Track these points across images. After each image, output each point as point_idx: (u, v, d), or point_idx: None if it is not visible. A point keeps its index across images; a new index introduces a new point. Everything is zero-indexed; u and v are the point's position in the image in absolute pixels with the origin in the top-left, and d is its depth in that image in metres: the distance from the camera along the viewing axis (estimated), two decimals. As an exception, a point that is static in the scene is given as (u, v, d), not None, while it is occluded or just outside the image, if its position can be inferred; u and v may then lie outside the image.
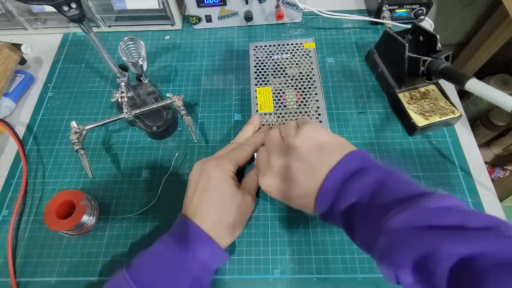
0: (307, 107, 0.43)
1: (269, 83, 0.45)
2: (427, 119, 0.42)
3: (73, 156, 0.44)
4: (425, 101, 0.44)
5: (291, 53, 0.48)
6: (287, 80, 0.45)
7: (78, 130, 0.38)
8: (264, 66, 0.47)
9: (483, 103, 1.02)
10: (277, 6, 0.51)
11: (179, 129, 0.46)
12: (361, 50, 0.52)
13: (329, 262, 0.36)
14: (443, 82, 0.45)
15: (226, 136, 0.45)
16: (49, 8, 0.50)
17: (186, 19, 0.57)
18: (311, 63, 0.46)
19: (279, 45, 0.48)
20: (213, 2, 0.50)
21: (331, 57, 0.51)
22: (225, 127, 0.45)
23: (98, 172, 0.42)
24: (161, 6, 0.50)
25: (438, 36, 0.40)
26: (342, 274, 0.35)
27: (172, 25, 0.55)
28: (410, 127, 0.43)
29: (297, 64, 0.46)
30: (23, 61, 0.52)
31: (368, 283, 0.35)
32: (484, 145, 1.11)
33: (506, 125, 1.00)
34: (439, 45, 0.40)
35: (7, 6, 0.50)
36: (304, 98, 0.43)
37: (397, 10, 0.51)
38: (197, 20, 0.54)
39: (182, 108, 0.41)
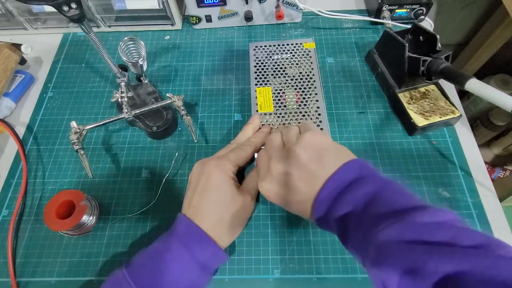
0: (307, 107, 0.42)
1: (269, 83, 0.45)
2: (427, 119, 0.42)
3: (73, 156, 0.44)
4: (425, 101, 0.44)
5: (291, 53, 0.48)
6: (287, 80, 0.45)
7: (78, 130, 0.38)
8: (264, 66, 0.47)
9: (483, 103, 1.02)
10: (277, 6, 0.51)
11: (179, 129, 0.46)
12: (361, 50, 0.52)
13: (329, 262, 0.36)
14: (443, 82, 0.45)
15: (226, 136, 0.45)
16: (49, 8, 0.50)
17: (186, 19, 0.57)
18: (311, 63, 0.46)
19: (279, 45, 0.48)
20: (213, 2, 0.50)
21: (331, 57, 0.51)
22: (225, 127, 0.45)
23: (98, 172, 0.42)
24: (161, 6, 0.50)
25: (438, 36, 0.40)
26: (342, 274, 0.35)
27: (172, 25, 0.55)
28: (410, 127, 0.43)
29: (297, 64, 0.46)
30: (23, 61, 0.52)
31: (368, 283, 0.35)
32: (484, 145, 1.11)
33: (506, 125, 1.00)
34: (439, 45, 0.40)
35: (7, 6, 0.50)
36: (304, 98, 0.43)
37: (397, 10, 0.51)
38: (197, 20, 0.54)
39: (182, 108, 0.41)
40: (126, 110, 0.40)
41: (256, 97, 0.44)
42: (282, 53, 0.48)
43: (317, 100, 0.43)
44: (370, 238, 0.25)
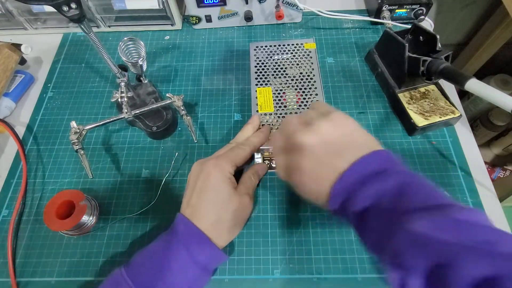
0: (308, 108, 0.42)
1: (270, 83, 0.45)
2: (427, 119, 0.42)
3: (73, 156, 0.44)
4: (425, 101, 0.44)
5: (291, 53, 0.48)
6: (287, 81, 0.45)
7: (78, 130, 0.38)
8: (265, 66, 0.47)
9: (483, 103, 1.02)
10: (277, 6, 0.51)
11: (179, 129, 0.46)
12: (361, 50, 0.52)
13: (329, 262, 0.36)
14: (443, 82, 0.45)
15: (226, 136, 0.45)
16: (49, 8, 0.50)
17: (186, 19, 0.57)
18: (312, 63, 0.46)
19: (279, 45, 0.48)
20: (213, 2, 0.50)
21: (331, 57, 0.51)
22: (225, 127, 0.45)
23: (98, 172, 0.42)
24: (161, 6, 0.50)
25: (438, 36, 0.40)
26: (342, 274, 0.35)
27: (172, 25, 0.55)
28: (410, 127, 0.43)
29: (297, 64, 0.46)
30: (23, 61, 0.52)
31: (368, 283, 0.35)
32: (484, 145, 1.11)
33: (506, 125, 1.00)
34: (439, 45, 0.40)
35: (7, 6, 0.50)
36: (304, 98, 0.43)
37: (397, 10, 0.51)
38: (197, 20, 0.54)
39: (182, 108, 0.41)
40: (126, 110, 0.40)
41: (256, 97, 0.44)
42: (282, 53, 0.48)
43: (317, 101, 0.43)
44: (397, 229, 0.23)
